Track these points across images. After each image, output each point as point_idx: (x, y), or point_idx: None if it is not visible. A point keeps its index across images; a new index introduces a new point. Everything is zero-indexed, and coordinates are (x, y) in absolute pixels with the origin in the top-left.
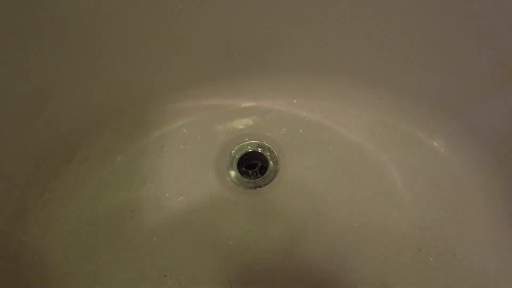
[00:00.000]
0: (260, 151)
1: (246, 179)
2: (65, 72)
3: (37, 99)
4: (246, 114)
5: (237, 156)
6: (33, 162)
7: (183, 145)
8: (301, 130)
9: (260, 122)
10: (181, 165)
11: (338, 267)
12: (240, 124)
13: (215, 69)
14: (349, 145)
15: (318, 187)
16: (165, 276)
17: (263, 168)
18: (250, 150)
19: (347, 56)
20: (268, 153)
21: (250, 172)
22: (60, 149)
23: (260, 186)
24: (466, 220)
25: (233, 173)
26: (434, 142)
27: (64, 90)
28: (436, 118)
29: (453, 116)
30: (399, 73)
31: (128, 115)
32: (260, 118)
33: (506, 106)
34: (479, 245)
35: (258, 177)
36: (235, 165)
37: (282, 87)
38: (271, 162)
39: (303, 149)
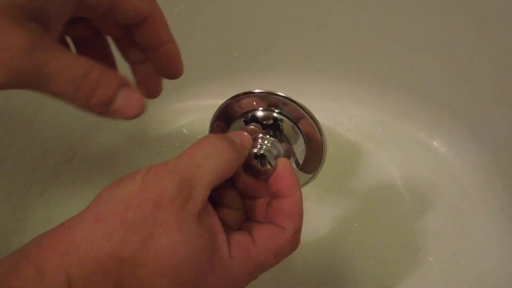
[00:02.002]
0: None
1: None
2: None
3: (37, 99)
4: None
5: None
6: (33, 162)
7: (183, 145)
8: None
9: None
10: None
11: (338, 267)
12: None
13: (215, 69)
14: (349, 145)
15: (317, 187)
16: None
17: None
18: None
19: (347, 56)
20: None
21: None
22: (60, 149)
23: None
24: (466, 220)
25: None
26: (434, 142)
27: None
28: (436, 118)
29: (453, 116)
30: (399, 73)
31: None
32: None
33: (506, 106)
34: (479, 245)
35: None
36: None
37: (282, 87)
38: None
39: None
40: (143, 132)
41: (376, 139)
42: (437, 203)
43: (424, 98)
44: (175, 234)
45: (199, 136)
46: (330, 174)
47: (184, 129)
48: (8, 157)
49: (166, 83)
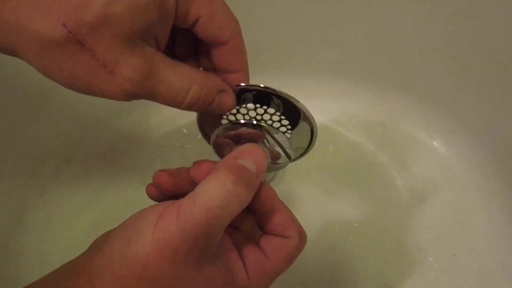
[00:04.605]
0: None
1: None
2: None
3: (37, 99)
4: None
5: None
6: (33, 162)
7: (183, 145)
8: None
9: None
10: (181, 165)
11: (337, 267)
12: None
13: None
14: (349, 145)
15: (318, 187)
16: None
17: None
18: None
19: (347, 56)
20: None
21: None
22: (60, 149)
23: None
24: (466, 220)
25: None
26: (434, 142)
27: (64, 90)
28: (436, 118)
29: (453, 116)
30: (399, 73)
31: (128, 115)
32: None
33: (506, 106)
34: (479, 245)
35: None
36: None
37: (282, 87)
38: None
39: None
40: (143, 132)
41: (376, 139)
42: (437, 203)
43: (424, 98)
44: (196, 283)
45: (199, 135)
46: (330, 174)
47: (184, 129)
48: (8, 157)
49: None
